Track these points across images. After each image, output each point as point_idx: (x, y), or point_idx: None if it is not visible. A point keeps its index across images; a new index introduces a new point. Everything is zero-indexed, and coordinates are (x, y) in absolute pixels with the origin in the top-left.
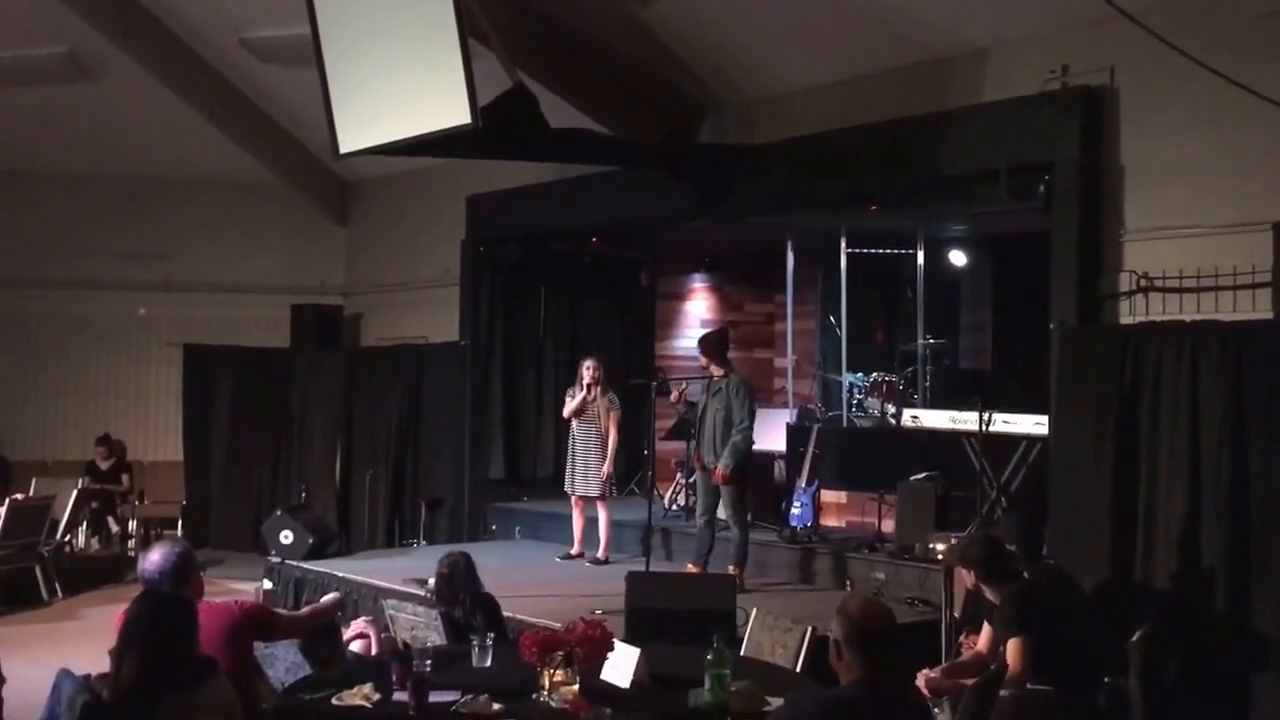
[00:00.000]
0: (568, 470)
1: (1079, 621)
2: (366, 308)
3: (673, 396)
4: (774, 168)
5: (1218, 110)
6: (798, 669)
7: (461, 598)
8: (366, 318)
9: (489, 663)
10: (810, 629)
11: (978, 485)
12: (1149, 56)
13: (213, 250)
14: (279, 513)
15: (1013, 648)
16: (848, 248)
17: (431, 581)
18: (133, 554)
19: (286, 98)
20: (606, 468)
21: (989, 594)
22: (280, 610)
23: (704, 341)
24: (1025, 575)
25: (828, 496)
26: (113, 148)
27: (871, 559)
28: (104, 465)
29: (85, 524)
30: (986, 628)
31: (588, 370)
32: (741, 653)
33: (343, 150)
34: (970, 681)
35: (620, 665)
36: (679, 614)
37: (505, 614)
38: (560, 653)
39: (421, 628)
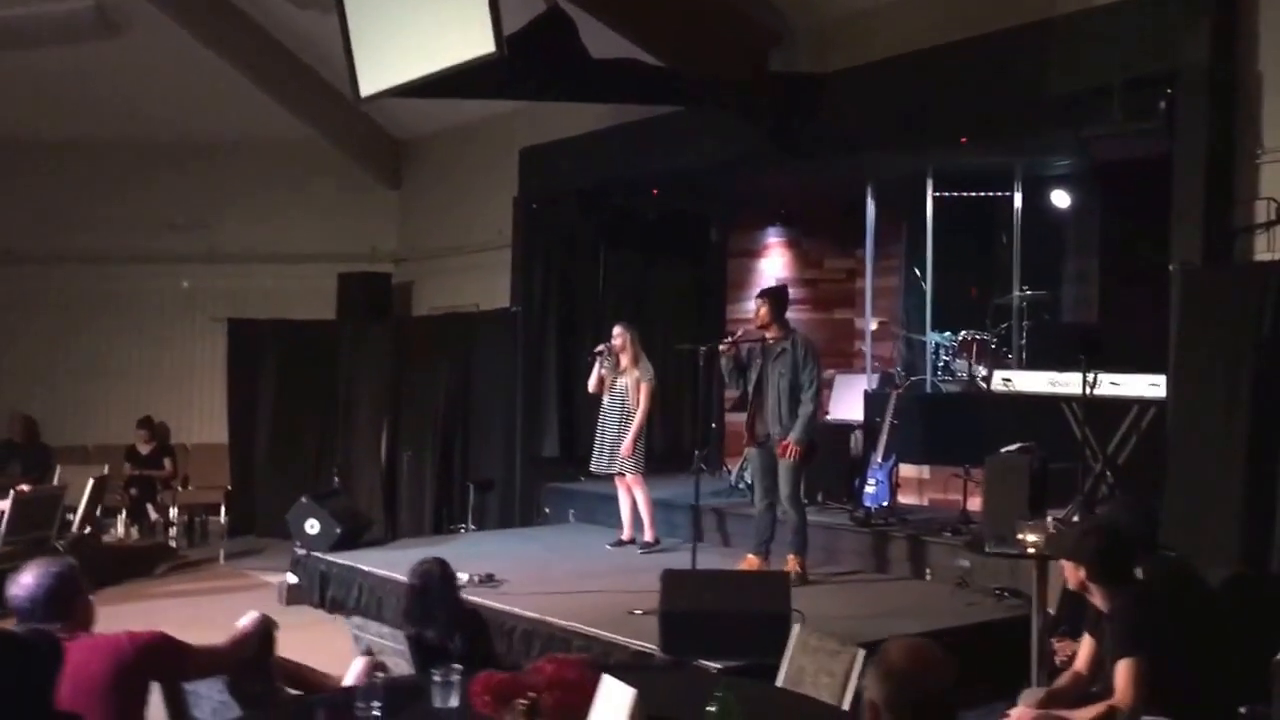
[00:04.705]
0: (595, 446)
1: (1205, 634)
2: (419, 275)
3: (722, 346)
4: (853, 97)
5: None
6: (844, 704)
7: (436, 615)
8: (418, 285)
9: (455, 702)
10: (862, 653)
11: (1080, 458)
12: None
13: (257, 217)
14: (304, 499)
15: (1124, 671)
16: (935, 191)
17: (465, 576)
18: (173, 544)
19: (329, 48)
20: (627, 443)
21: (1097, 598)
22: (191, 643)
23: (768, 295)
24: (1139, 574)
25: (907, 472)
26: (146, 111)
27: (955, 544)
28: (145, 449)
29: (124, 513)
30: (1087, 640)
31: (615, 339)
32: (779, 682)
33: (364, 93)
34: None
35: (608, 714)
36: (723, 618)
37: (534, 616)
38: (523, 701)
39: (388, 652)
